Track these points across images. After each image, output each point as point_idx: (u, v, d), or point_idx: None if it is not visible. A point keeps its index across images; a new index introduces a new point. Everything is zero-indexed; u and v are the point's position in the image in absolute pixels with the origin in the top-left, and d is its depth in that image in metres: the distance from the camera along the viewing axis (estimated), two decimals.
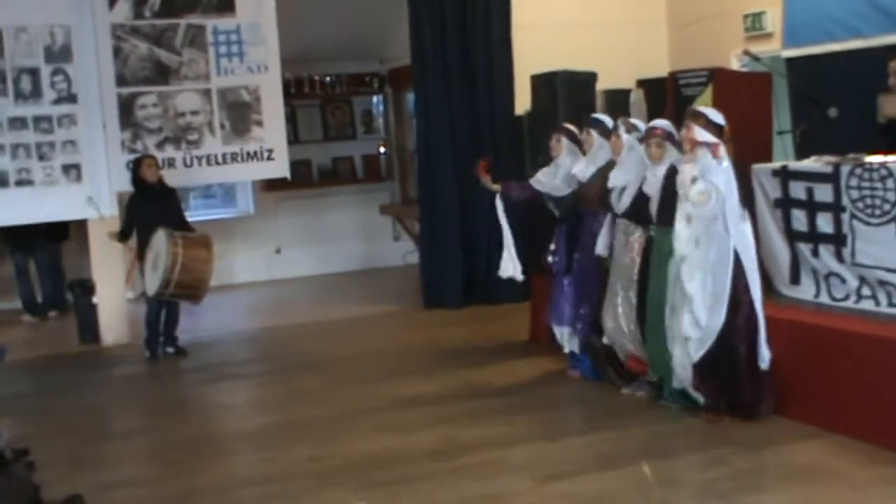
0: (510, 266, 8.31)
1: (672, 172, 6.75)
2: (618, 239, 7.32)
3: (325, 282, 13.60)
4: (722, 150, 6.46)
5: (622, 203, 7.19)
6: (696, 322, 6.50)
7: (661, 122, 7.09)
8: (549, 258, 8.11)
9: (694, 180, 6.38)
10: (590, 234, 7.62)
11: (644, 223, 7.07)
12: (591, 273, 7.62)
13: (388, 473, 6.14)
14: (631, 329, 7.23)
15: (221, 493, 6.06)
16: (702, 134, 6.46)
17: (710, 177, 6.38)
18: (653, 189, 6.91)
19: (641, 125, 7.32)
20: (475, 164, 8.33)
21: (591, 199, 7.56)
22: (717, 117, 6.61)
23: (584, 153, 7.76)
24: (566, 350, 8.05)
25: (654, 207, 6.92)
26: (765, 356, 6.55)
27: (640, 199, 7.03)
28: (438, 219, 11.19)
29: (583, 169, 7.62)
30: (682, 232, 6.50)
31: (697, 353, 6.56)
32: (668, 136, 6.88)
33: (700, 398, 6.74)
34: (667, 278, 6.80)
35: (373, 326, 10.67)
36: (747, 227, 6.55)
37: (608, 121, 7.68)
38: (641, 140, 7.10)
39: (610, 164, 7.39)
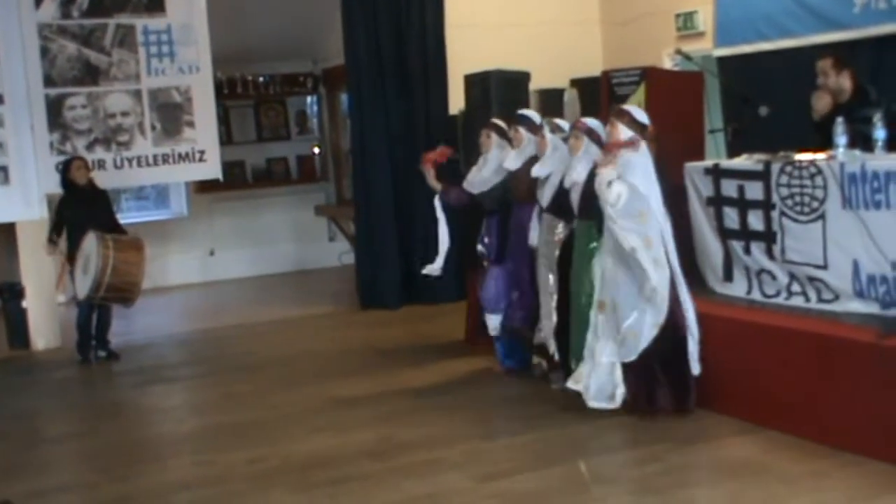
0: (438, 263, 8.36)
1: (595, 168, 6.86)
2: (541, 233, 7.48)
3: (260, 283, 13.52)
4: (642, 144, 6.64)
5: (545, 197, 7.35)
6: (656, 318, 6.60)
7: (588, 119, 7.25)
8: (480, 247, 8.18)
9: (610, 184, 6.52)
10: (520, 226, 7.74)
11: (566, 217, 7.22)
12: (523, 263, 7.75)
13: (326, 474, 6.12)
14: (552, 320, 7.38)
15: (157, 498, 5.99)
16: (625, 132, 6.63)
17: (628, 177, 6.51)
18: (574, 184, 7.03)
19: (566, 125, 7.48)
20: (431, 149, 8.35)
21: (520, 188, 7.70)
22: (642, 116, 6.82)
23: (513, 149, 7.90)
24: (493, 334, 8.11)
25: (575, 200, 7.04)
26: (695, 365, 6.70)
27: (562, 193, 7.17)
28: (374, 219, 11.16)
29: (512, 161, 7.76)
30: (619, 230, 6.58)
31: (637, 351, 6.64)
32: (589, 132, 6.99)
33: (619, 403, 6.79)
34: (589, 273, 6.91)
35: (309, 327, 10.62)
36: (669, 227, 6.68)
37: (536, 117, 7.89)
38: (566, 139, 7.27)
39: (537, 157, 7.55)
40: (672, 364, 6.69)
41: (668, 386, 6.71)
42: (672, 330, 6.64)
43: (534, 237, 7.61)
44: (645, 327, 6.61)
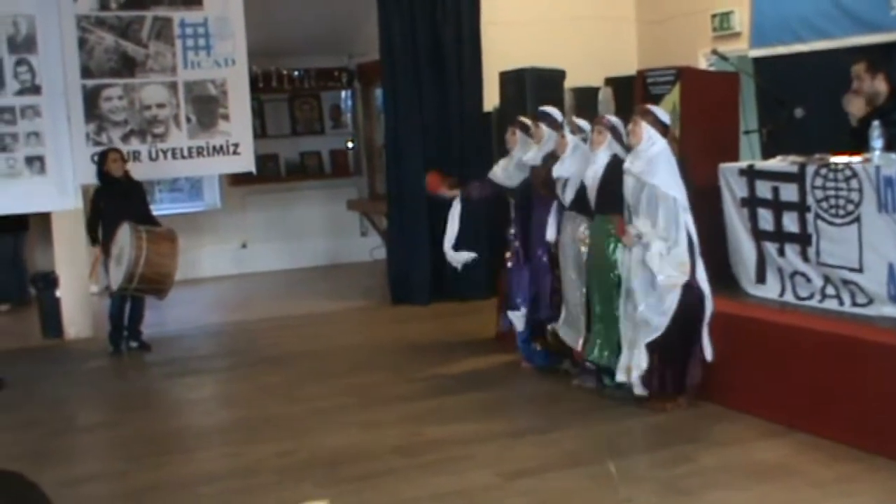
0: (455, 257, 8.51)
1: (614, 162, 7.03)
2: (565, 230, 7.55)
3: (292, 277, 13.53)
4: (664, 143, 6.79)
5: (567, 196, 7.44)
6: (657, 308, 6.70)
7: (610, 116, 7.50)
8: (511, 238, 8.29)
9: (648, 246, 6.65)
10: (540, 223, 7.84)
11: (590, 214, 7.30)
12: (544, 259, 7.83)
13: (353, 469, 6.10)
14: (580, 316, 7.45)
15: (185, 488, 6.01)
16: (648, 130, 6.76)
17: (649, 179, 6.63)
18: (593, 177, 7.13)
19: (586, 126, 7.56)
20: (424, 169, 8.60)
21: (539, 182, 7.81)
22: (664, 116, 6.96)
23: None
24: (518, 328, 8.19)
25: (592, 195, 7.15)
26: (707, 349, 6.79)
27: (583, 191, 7.28)
28: (406, 214, 11.14)
29: (532, 156, 7.87)
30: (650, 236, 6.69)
31: (649, 338, 6.74)
32: (612, 128, 7.14)
33: (640, 388, 6.85)
34: (612, 263, 7.02)
35: (339, 322, 10.62)
36: (690, 218, 6.74)
37: (557, 115, 8.02)
38: (586, 140, 7.41)
39: (555, 153, 7.63)
40: (678, 351, 6.82)
41: (671, 371, 6.85)
42: (682, 321, 6.72)
43: (551, 233, 7.71)
44: (654, 316, 6.69)
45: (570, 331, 7.62)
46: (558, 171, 7.44)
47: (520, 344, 8.25)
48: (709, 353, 6.79)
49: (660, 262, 6.59)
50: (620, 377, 6.95)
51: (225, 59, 10.55)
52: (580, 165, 7.34)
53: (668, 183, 6.64)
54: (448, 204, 8.49)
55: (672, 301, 6.66)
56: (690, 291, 6.70)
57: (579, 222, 7.41)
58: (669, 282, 6.61)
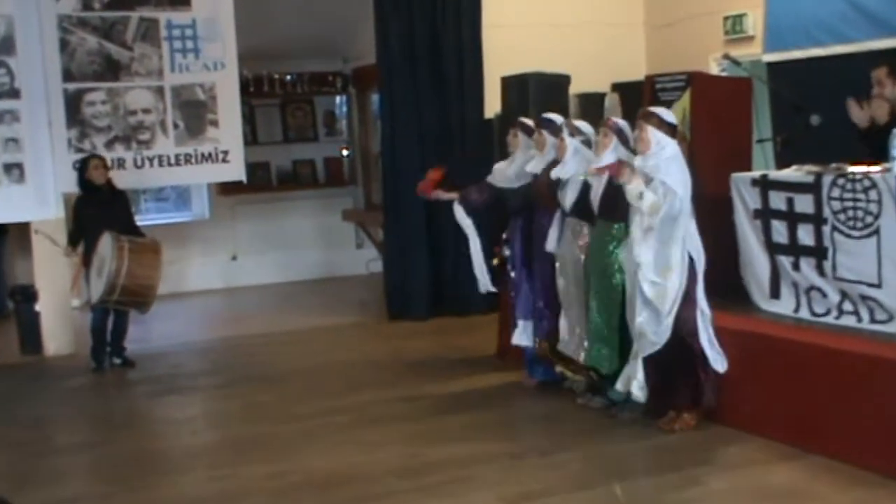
0: (482, 280, 8.36)
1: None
2: (566, 235, 7.50)
3: (284, 290, 13.45)
4: (673, 145, 6.71)
5: (567, 201, 7.35)
6: (655, 320, 6.58)
7: (618, 118, 7.42)
8: (505, 251, 8.21)
9: (641, 195, 6.54)
10: (541, 231, 7.76)
11: (591, 220, 7.23)
12: (546, 269, 7.75)
13: (349, 492, 6.01)
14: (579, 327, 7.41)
15: None
16: (655, 134, 6.67)
17: (661, 177, 6.53)
18: (598, 182, 7.06)
19: (586, 128, 7.52)
20: (422, 179, 8.46)
21: (542, 192, 7.71)
22: (669, 116, 6.86)
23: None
24: (521, 343, 8.07)
25: (596, 200, 7.07)
26: (718, 359, 6.70)
27: (585, 194, 7.21)
28: (403, 225, 11.03)
29: (535, 164, 7.79)
30: (639, 239, 6.61)
31: (649, 350, 6.64)
32: (618, 132, 7.06)
33: (641, 397, 6.75)
34: (614, 269, 6.93)
35: (334, 338, 10.53)
36: (694, 226, 6.65)
37: (558, 119, 7.91)
38: (588, 144, 7.40)
39: (557, 161, 7.59)
40: (684, 364, 6.71)
41: (681, 385, 6.77)
42: (682, 334, 6.61)
43: (552, 242, 7.62)
44: (651, 328, 6.59)
45: (569, 342, 7.53)
46: (557, 173, 7.37)
47: (526, 359, 8.13)
48: (718, 366, 6.69)
49: (646, 203, 6.50)
50: (620, 386, 6.87)
51: (214, 63, 10.39)
52: (580, 168, 7.27)
53: (677, 182, 6.54)
54: (448, 209, 8.33)
55: (670, 313, 6.55)
56: (689, 305, 6.60)
57: (580, 229, 7.33)
58: (655, 290, 6.52)
